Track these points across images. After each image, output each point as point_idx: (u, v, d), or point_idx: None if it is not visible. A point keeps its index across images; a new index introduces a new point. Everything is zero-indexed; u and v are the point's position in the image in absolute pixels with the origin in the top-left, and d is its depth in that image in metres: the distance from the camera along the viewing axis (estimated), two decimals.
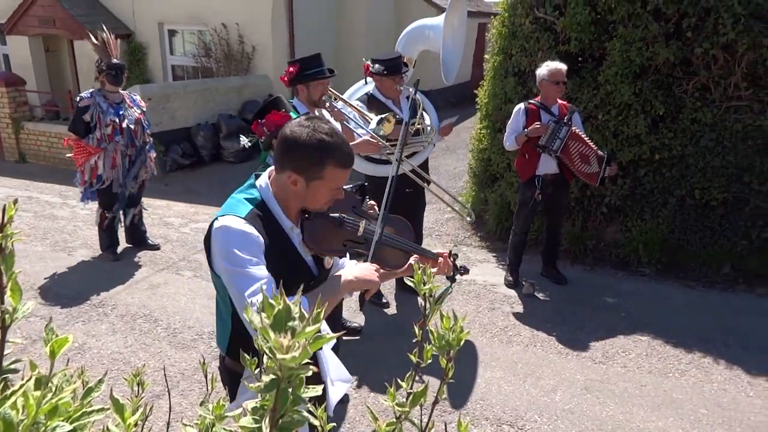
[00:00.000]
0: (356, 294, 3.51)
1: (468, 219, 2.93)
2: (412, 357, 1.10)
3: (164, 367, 3.74)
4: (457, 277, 2.24)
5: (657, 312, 4.49)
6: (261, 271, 1.65)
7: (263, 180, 1.82)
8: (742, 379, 3.65)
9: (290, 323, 0.58)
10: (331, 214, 1.90)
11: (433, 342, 0.98)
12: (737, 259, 5.09)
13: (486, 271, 5.33)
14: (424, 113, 4.36)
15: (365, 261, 1.95)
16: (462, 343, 0.97)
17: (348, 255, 2.06)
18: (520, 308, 4.60)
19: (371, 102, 4.19)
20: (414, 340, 1.07)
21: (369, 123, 3.55)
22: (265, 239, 1.70)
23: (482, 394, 3.51)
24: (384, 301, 4.62)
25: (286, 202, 1.79)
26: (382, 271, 1.84)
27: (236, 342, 1.83)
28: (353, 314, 4.40)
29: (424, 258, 2.08)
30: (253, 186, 1.82)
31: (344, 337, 4.35)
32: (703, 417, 3.30)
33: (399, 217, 2.20)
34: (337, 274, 1.82)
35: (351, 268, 1.83)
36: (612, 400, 3.44)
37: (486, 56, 6.48)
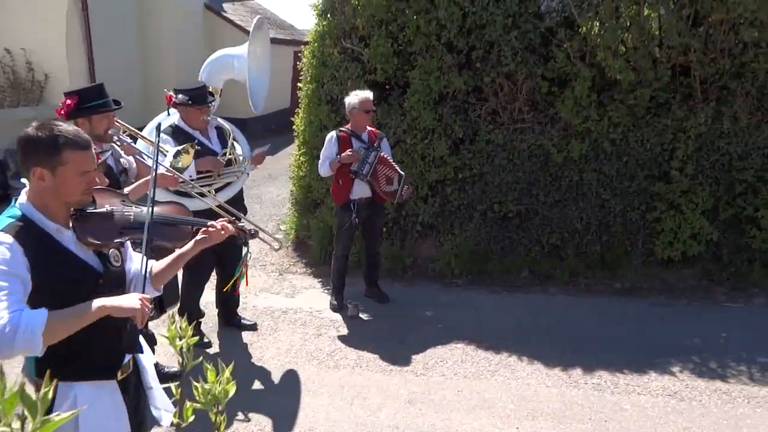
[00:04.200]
0: None
1: (275, 247, 2.92)
2: (174, 419, 1.05)
3: None
4: (257, 237, 2.53)
5: (470, 319, 4.85)
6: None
7: (21, 198, 1.87)
8: (542, 372, 4.07)
9: None
10: (99, 209, 2.00)
11: (198, 398, 0.93)
12: (533, 263, 5.71)
13: (312, 297, 5.35)
14: (235, 143, 4.29)
15: (144, 244, 1.99)
16: (231, 394, 0.94)
17: (130, 243, 2.14)
18: (345, 331, 4.68)
19: (177, 133, 4.02)
20: (172, 400, 1.01)
21: (166, 156, 3.39)
22: (30, 247, 1.75)
23: (310, 424, 3.49)
24: (206, 340, 4.41)
25: (44, 206, 1.84)
26: (147, 297, 1.84)
27: (44, 364, 1.77)
28: (170, 359, 4.13)
29: (214, 229, 2.17)
30: (14, 207, 1.87)
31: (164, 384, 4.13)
32: (512, 412, 3.61)
33: (172, 201, 2.36)
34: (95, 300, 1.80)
35: (112, 297, 1.82)
36: (432, 409, 3.63)
37: (299, 84, 6.58)
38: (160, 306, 2.95)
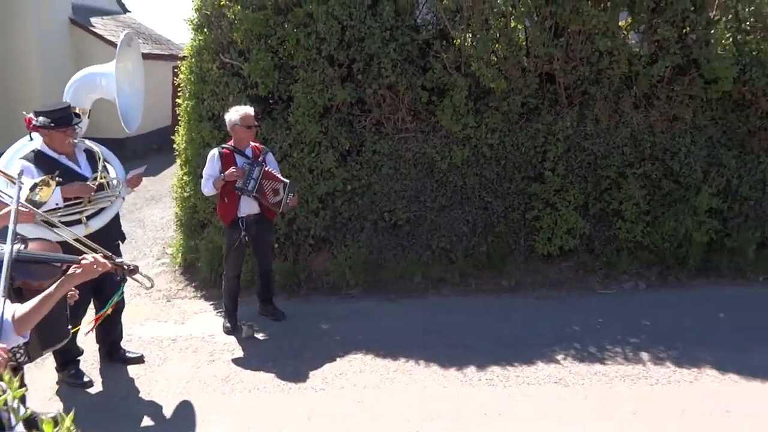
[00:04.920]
0: None
1: (147, 285, 2.79)
2: None
3: None
4: (130, 277, 2.55)
5: (366, 329, 4.87)
6: None
7: None
8: (439, 374, 4.17)
9: None
10: None
11: None
12: (425, 268, 5.86)
13: (204, 321, 5.15)
14: (107, 165, 4.04)
15: (2, 284, 1.86)
16: None
17: None
18: (240, 353, 4.53)
19: (39, 159, 3.71)
20: None
21: (21, 189, 3.11)
22: None
23: None
24: (87, 379, 4.08)
25: None
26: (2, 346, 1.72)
27: None
28: (46, 403, 3.79)
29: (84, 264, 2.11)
30: None
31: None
32: (411, 417, 3.67)
33: (40, 237, 2.28)
34: None
35: None
36: (334, 424, 3.61)
37: (178, 100, 6.33)
38: (41, 346, 2.72)
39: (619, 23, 5.79)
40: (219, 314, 5.21)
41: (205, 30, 5.96)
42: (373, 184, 5.82)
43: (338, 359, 4.39)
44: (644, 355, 4.33)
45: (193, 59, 6.02)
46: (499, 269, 5.84)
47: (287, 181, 4.68)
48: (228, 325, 4.87)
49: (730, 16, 5.72)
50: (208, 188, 4.65)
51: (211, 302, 5.51)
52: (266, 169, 4.62)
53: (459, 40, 5.71)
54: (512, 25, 5.71)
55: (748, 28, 5.73)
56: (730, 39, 5.76)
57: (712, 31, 5.54)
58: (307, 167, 5.74)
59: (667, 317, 4.93)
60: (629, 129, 5.76)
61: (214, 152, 4.67)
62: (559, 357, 4.34)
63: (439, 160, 5.75)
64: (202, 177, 4.78)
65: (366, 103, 5.85)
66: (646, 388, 3.92)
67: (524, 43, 5.90)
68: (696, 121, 5.76)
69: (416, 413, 3.70)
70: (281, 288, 5.57)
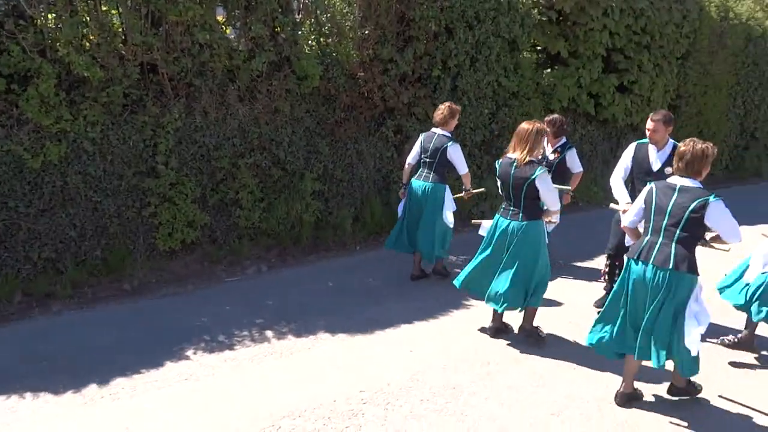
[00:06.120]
0: None
1: None
2: None
3: None
4: None
5: None
6: None
7: None
8: (51, 402, 3.63)
9: None
10: None
11: None
12: (27, 284, 5.03)
13: None
14: None
15: None
16: None
17: None
18: None
19: None
20: None
21: None
22: None
23: None
24: None
25: None
26: None
27: None
28: None
29: None
30: None
31: None
32: None
33: None
34: None
35: None
36: None
37: None
38: None
39: (217, 18, 5.93)
40: None
41: None
42: None
43: None
44: (269, 333, 4.62)
45: None
46: (119, 272, 5.44)
47: None
48: None
49: (313, 19, 6.48)
50: None
51: None
52: None
53: (40, 21, 4.99)
54: (104, 9, 5.28)
55: (328, 32, 6.59)
56: (315, 41, 6.54)
57: (299, 32, 6.19)
58: None
59: (287, 294, 5.37)
60: (237, 121, 6.00)
61: None
62: (189, 353, 4.28)
63: (30, 158, 4.96)
64: None
65: None
66: (273, 362, 4.20)
67: (120, 29, 5.52)
68: (294, 113, 6.37)
69: None
70: None
